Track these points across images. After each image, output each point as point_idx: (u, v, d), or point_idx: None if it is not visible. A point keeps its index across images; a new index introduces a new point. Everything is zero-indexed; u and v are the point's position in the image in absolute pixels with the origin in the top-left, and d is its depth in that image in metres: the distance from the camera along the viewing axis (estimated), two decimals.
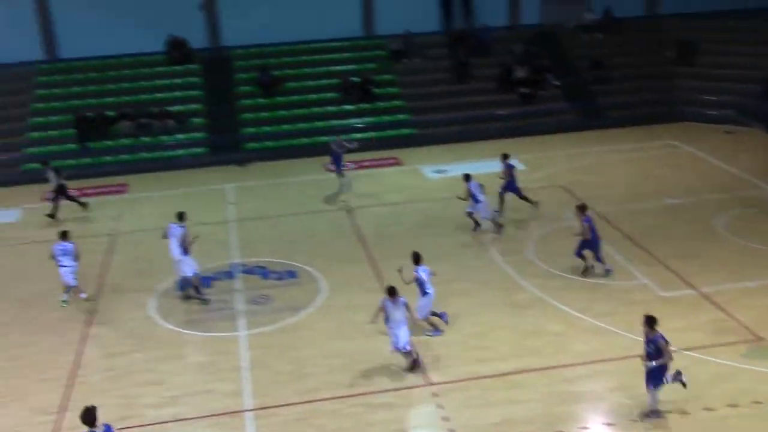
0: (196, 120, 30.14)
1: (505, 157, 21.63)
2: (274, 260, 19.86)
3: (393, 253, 19.12)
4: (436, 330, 15.94)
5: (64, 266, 17.59)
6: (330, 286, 18.23)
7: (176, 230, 17.81)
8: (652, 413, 12.92)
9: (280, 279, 18.89)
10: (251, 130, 29.97)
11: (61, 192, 23.53)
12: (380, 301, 14.47)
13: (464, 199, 20.60)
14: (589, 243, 17.81)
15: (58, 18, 31.82)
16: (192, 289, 17.92)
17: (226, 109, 30.57)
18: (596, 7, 34.77)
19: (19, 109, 29.83)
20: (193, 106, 30.58)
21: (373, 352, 15.26)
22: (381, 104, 31.17)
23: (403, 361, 14.63)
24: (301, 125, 30.13)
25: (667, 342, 12.51)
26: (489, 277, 18.29)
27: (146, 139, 29.25)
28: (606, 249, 18.38)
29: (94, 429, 10.92)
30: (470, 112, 30.74)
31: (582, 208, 17.94)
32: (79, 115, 28.93)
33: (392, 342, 14.45)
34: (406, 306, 14.44)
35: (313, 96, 31.25)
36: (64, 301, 17.95)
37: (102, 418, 13.48)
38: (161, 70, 31.82)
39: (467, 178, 20.51)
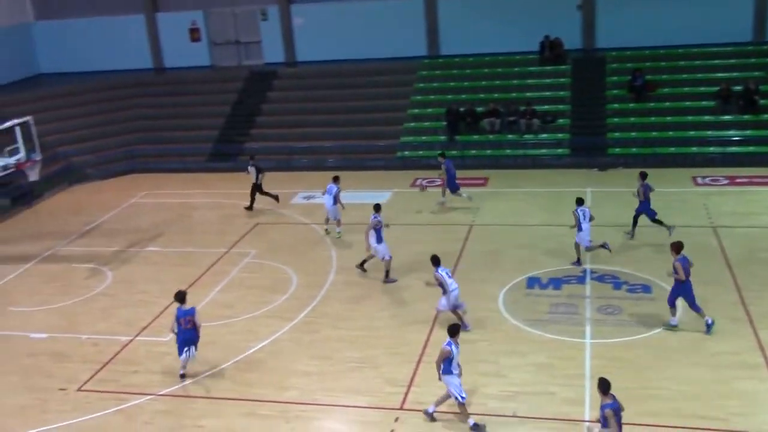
0: (562, 121, 30.07)
1: (643, 176, 20.65)
2: (628, 271, 19.09)
3: (763, 280, 17.31)
4: (464, 324, 16.35)
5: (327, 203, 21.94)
6: (687, 308, 17.02)
7: (373, 219, 19.35)
8: None
9: (632, 291, 18.11)
10: (617, 134, 29.12)
11: (256, 189, 25.32)
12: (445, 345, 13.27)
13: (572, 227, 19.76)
14: (684, 287, 15.79)
15: (443, 18, 33.86)
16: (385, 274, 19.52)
17: (593, 112, 30.07)
18: None
19: (400, 100, 32.28)
20: (560, 107, 30.55)
21: (729, 387, 13.97)
22: (766, 117, 28.34)
23: None
24: (671, 133, 28.55)
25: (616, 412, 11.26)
26: None
27: (511, 136, 29.89)
28: None
29: (183, 305, 15.24)
30: None
31: (677, 248, 15.88)
32: (451, 109, 30.47)
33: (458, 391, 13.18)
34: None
35: (688, 103, 29.43)
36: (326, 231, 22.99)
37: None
38: (533, 69, 32.27)
39: (580, 202, 19.74)
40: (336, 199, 22.38)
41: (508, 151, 29.62)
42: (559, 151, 29.26)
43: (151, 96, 35.45)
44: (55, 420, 14.57)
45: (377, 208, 19.82)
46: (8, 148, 21.01)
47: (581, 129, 29.53)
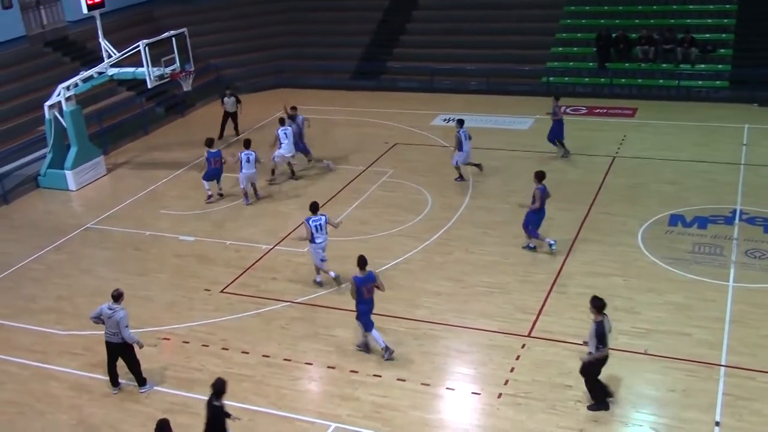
0: (723, 51, 28.17)
1: (556, 98, 22.20)
2: None
3: None
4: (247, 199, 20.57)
5: (244, 171, 20.43)
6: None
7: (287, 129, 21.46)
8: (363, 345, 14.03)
9: None
10: None
11: (226, 117, 26.13)
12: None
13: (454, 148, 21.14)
14: (538, 214, 16.90)
15: None
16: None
17: (760, 42, 27.93)
18: None
19: (549, 23, 31.16)
20: (723, 36, 28.59)
21: None
22: None
23: None
24: None
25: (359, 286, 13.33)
26: None
27: (665, 65, 28.35)
28: None
29: (210, 149, 20.37)
30: None
31: (540, 176, 16.89)
32: (602, 34, 29.13)
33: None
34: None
35: None
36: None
37: (574, 332, 14.04)
38: None
39: (460, 123, 20.95)
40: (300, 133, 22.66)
41: (660, 81, 28.19)
42: (718, 83, 27.53)
43: (299, 11, 35.90)
44: (199, 317, 15.56)
45: (282, 122, 21.88)
46: (164, 59, 21.93)
47: (744, 60, 27.58)
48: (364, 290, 13.49)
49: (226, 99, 26.15)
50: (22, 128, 24.95)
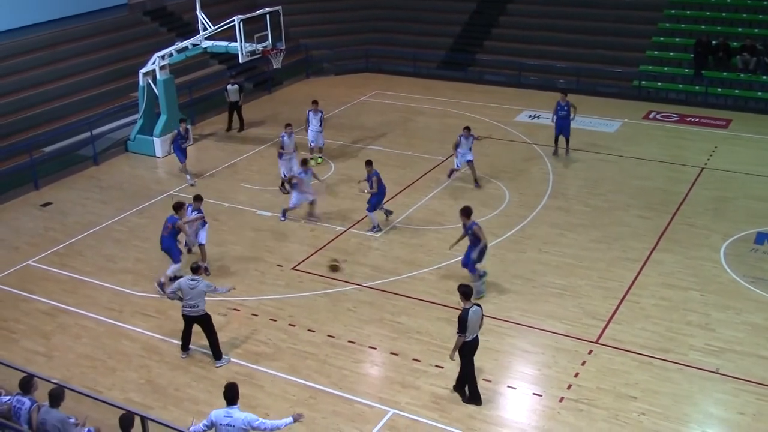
0: None
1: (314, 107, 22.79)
2: None
3: None
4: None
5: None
6: None
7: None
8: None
9: None
10: None
11: (231, 108, 25.17)
12: None
13: None
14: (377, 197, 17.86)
15: None
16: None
17: None
18: None
19: (646, 25, 30.30)
20: None
21: None
22: None
23: None
24: None
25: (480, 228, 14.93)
26: None
27: (765, 77, 27.26)
28: None
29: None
30: None
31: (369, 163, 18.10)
32: (701, 41, 28.19)
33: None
34: None
35: None
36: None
37: (643, 343, 13.73)
38: None
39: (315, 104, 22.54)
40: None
41: (759, 94, 27.10)
42: None
43: None
44: (269, 292, 15.82)
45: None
46: (257, 35, 22.29)
47: None
48: None
49: (229, 87, 25.07)
50: (116, 93, 25.79)
